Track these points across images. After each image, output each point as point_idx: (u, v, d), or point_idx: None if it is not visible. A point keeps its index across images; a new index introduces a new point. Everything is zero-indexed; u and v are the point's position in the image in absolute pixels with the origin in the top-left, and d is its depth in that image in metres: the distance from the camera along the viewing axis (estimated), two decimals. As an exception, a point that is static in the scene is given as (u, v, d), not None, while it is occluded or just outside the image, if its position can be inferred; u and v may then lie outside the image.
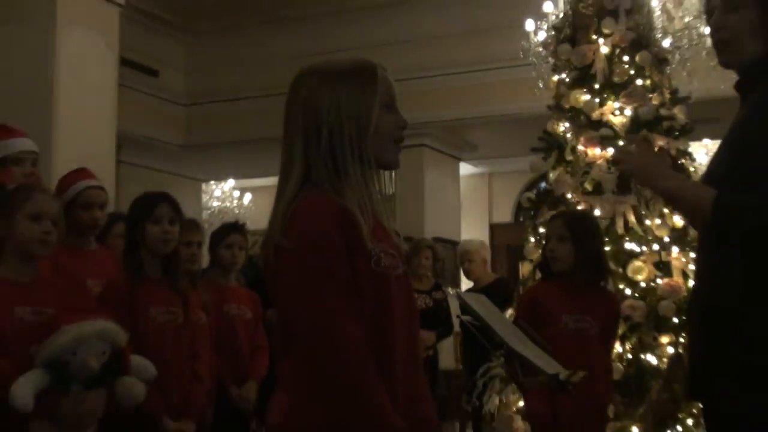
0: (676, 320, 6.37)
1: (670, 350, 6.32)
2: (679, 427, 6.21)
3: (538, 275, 6.52)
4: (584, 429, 4.29)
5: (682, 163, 6.37)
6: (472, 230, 13.50)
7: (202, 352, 4.50)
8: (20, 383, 3.51)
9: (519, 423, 6.55)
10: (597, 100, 6.92)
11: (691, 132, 6.98)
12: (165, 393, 4.16)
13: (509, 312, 4.66)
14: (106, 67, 7.22)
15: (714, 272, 3.11)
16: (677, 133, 6.83)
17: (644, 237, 6.58)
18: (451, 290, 7.98)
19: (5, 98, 6.75)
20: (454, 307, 7.88)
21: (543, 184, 7.24)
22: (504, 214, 15.72)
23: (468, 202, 14.26)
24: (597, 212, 6.52)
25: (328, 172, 2.39)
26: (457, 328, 8.59)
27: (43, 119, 6.52)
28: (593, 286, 4.53)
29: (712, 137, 7.77)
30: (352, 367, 2.29)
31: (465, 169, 13.98)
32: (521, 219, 14.56)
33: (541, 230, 6.88)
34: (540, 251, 6.79)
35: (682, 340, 6.31)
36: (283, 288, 2.38)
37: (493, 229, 15.19)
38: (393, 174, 2.57)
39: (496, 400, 6.85)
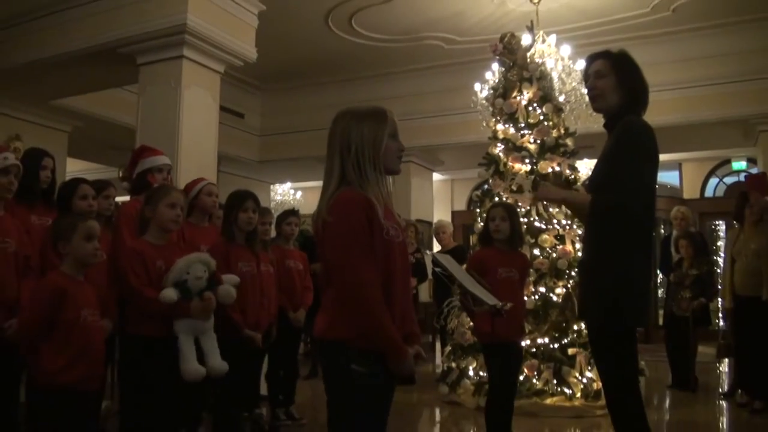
0: (567, 272, 6.42)
1: (562, 290, 6.37)
2: (567, 339, 6.27)
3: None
4: (510, 338, 4.29)
5: (569, 180, 6.45)
6: (440, 214, 13.48)
7: (269, 291, 4.50)
8: (165, 292, 3.62)
9: (468, 336, 6.58)
10: (519, 133, 6.99)
11: (577, 154, 7.11)
12: (244, 314, 4.17)
13: (464, 266, 4.65)
14: (211, 112, 7.20)
15: (586, 241, 3.28)
16: (569, 155, 6.96)
17: (549, 219, 6.65)
18: (428, 252, 7.98)
19: (150, 131, 6.79)
20: (429, 263, 7.92)
21: (485, 186, 7.25)
22: (461, 205, 15.68)
23: (437, 197, 14.22)
24: (519, 204, 6.57)
25: (356, 176, 2.44)
26: (429, 276, 8.64)
27: (172, 145, 6.53)
28: (515, 250, 4.53)
29: (590, 157, 7.78)
30: (367, 299, 2.35)
31: (436, 177, 13.92)
32: (472, 208, 14.65)
33: (484, 215, 6.94)
34: (483, 227, 6.89)
35: (570, 284, 6.36)
36: (327, 248, 2.42)
37: (454, 214, 15.15)
38: (393, 178, 2.58)
39: (455, 322, 6.88)
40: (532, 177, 6.65)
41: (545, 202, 6.30)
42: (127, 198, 4.80)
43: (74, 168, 11.23)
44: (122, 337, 3.85)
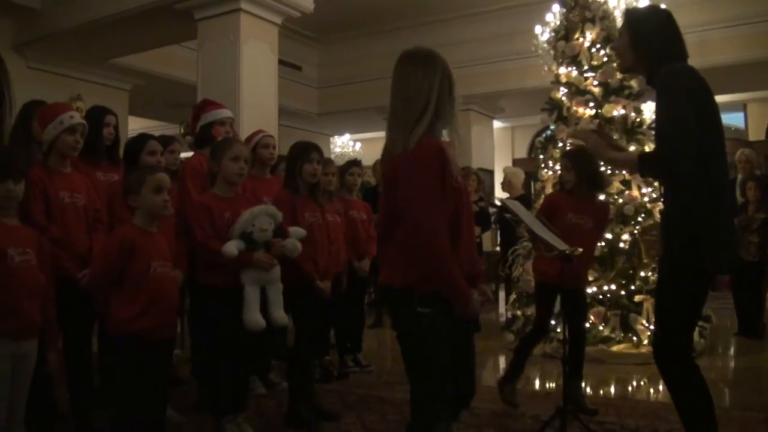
0: (633, 218, 6.32)
1: (629, 237, 6.27)
2: (633, 286, 6.20)
3: (548, 190, 6.57)
4: (577, 284, 4.27)
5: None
6: (501, 163, 13.33)
7: (336, 240, 4.51)
8: (227, 245, 3.65)
9: (533, 283, 6.55)
10: (582, 76, 6.86)
11: (642, 96, 6.87)
12: (315, 263, 4.21)
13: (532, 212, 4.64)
14: (270, 65, 7.23)
15: (663, 191, 3.17)
16: (633, 97, 6.78)
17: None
18: (498, 198, 7.89)
19: (211, 86, 6.86)
20: (502, 210, 7.87)
21: (547, 132, 7.15)
22: (522, 153, 15.53)
23: (498, 145, 14.09)
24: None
25: (428, 123, 2.44)
26: (493, 225, 8.60)
27: (233, 99, 6.57)
28: (590, 197, 4.46)
29: (654, 100, 7.55)
30: (436, 246, 2.38)
31: (496, 124, 13.81)
32: (533, 155, 14.50)
33: (549, 162, 6.86)
34: (547, 173, 6.81)
35: (636, 230, 6.26)
36: (400, 193, 2.43)
37: (515, 162, 15.00)
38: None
39: (520, 269, 6.86)
40: (596, 122, 6.51)
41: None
42: (190, 154, 4.87)
43: (135, 126, 11.42)
44: (192, 288, 3.93)
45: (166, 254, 3.29)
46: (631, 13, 3.21)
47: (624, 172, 6.43)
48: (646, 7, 3.17)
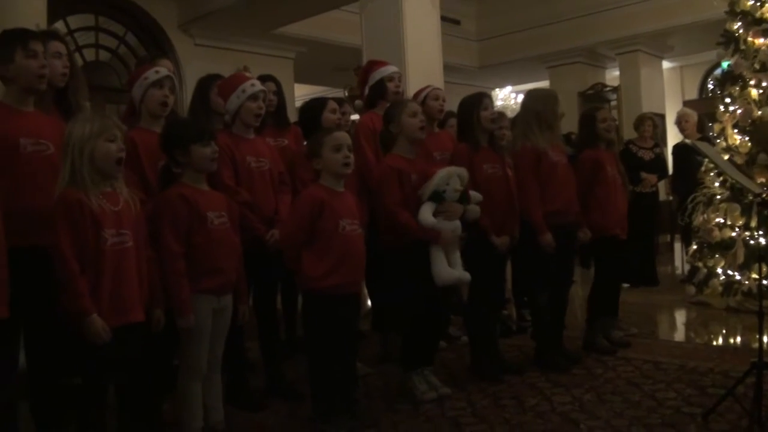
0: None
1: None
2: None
3: (728, 132, 6.26)
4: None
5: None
6: (671, 106, 12.71)
7: (514, 193, 4.31)
8: (424, 214, 3.71)
9: (716, 233, 6.28)
10: (758, 3, 6.39)
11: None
12: (492, 218, 4.12)
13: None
14: (432, 20, 7.27)
15: None
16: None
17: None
18: (688, 141, 7.51)
19: (375, 46, 6.99)
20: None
21: (720, 69, 6.75)
22: (692, 94, 14.69)
23: (667, 87, 13.42)
24: (763, 84, 6.09)
25: None
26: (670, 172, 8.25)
27: (399, 57, 6.64)
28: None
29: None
30: None
31: (665, 65, 13.16)
32: (703, 96, 13.75)
33: (727, 101, 6.49)
34: (725, 113, 6.47)
35: None
36: None
37: (684, 104, 14.24)
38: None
39: (701, 218, 6.57)
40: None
41: None
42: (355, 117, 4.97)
43: (300, 93, 11.77)
44: (373, 245, 4.00)
45: (353, 212, 3.41)
46: None
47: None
48: None
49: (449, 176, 3.79)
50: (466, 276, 3.84)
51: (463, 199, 3.86)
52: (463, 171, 3.88)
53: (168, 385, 3.42)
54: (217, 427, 3.15)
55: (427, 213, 3.72)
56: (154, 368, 3.17)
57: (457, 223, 3.84)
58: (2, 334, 2.43)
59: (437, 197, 3.78)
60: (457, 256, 3.85)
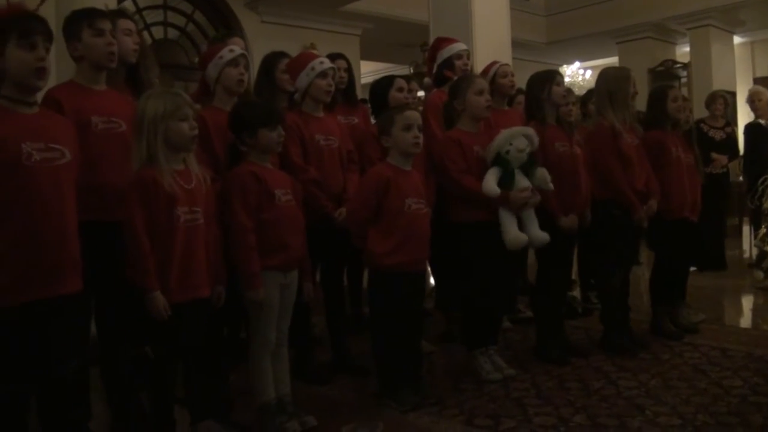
0: None
1: None
2: None
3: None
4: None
5: None
6: (742, 83, 12.30)
7: (582, 172, 4.22)
8: (487, 183, 3.67)
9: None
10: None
11: None
12: (560, 198, 4.05)
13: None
14: (501, -2, 7.16)
15: None
16: None
17: None
18: (762, 121, 7.28)
19: (443, 22, 6.90)
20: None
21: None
22: (763, 71, 14.18)
23: (738, 63, 12.98)
24: None
25: None
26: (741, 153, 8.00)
27: (467, 34, 6.57)
28: None
29: None
30: None
31: (735, 40, 12.74)
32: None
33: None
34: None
35: None
36: None
37: (755, 81, 13.76)
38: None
39: (771, 201, 6.41)
40: None
41: None
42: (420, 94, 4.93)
43: (366, 69, 11.77)
44: (441, 223, 3.97)
45: (420, 191, 3.43)
46: None
47: None
48: None
49: (512, 136, 3.73)
50: (540, 238, 3.80)
51: (531, 162, 3.79)
52: (529, 130, 3.82)
53: (235, 356, 3.51)
54: (284, 399, 3.21)
55: (491, 181, 3.67)
56: (219, 341, 3.25)
57: (526, 182, 3.78)
58: (76, 305, 2.50)
59: (501, 162, 3.71)
60: (531, 218, 3.81)
